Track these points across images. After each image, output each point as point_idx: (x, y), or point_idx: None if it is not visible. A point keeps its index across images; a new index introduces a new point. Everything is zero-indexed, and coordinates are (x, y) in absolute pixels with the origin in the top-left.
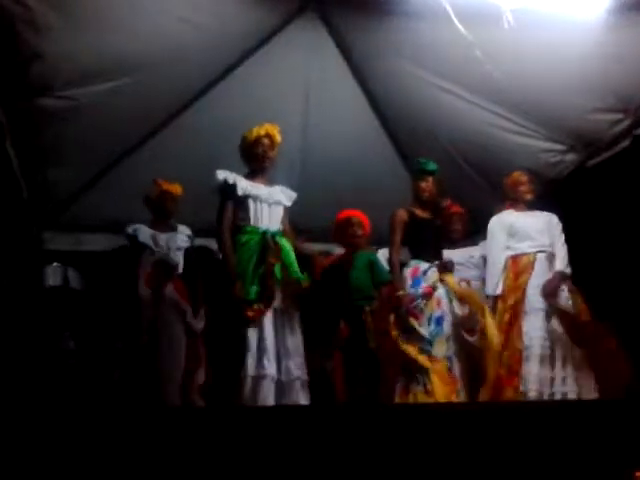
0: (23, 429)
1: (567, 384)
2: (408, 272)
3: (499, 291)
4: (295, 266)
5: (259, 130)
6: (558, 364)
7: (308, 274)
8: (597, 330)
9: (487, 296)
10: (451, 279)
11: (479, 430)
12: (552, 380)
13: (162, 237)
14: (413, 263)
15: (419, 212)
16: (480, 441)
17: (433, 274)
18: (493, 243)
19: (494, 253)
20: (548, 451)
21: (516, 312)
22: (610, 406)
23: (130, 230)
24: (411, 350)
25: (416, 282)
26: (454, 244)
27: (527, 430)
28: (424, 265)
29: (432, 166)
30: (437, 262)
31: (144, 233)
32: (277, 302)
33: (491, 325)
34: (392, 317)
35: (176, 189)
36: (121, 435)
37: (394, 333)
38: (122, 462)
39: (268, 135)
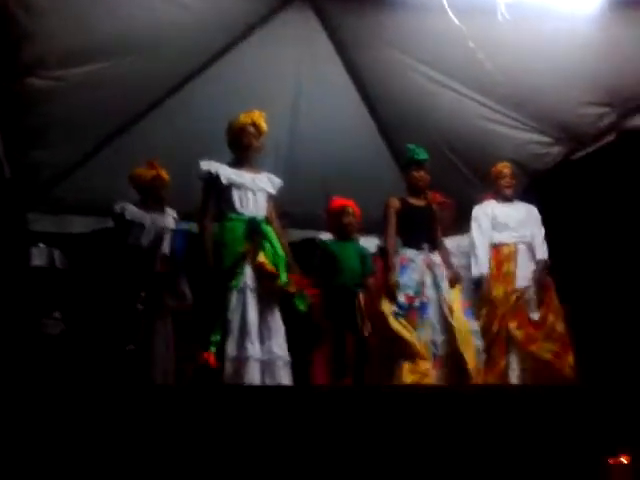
0: (12, 409)
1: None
2: (396, 261)
3: (486, 270)
4: (279, 251)
5: (245, 118)
6: None
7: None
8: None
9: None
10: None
11: (458, 413)
12: None
13: (149, 217)
14: (402, 252)
15: (412, 200)
16: (460, 423)
17: (421, 263)
18: (478, 229)
19: (480, 238)
20: (527, 435)
21: (506, 301)
22: (584, 393)
23: (118, 208)
24: (399, 329)
25: (403, 270)
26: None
27: (507, 414)
28: (411, 253)
29: (423, 155)
30: (427, 247)
31: (131, 211)
32: (256, 285)
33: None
34: (384, 301)
35: (165, 175)
36: (108, 414)
37: (385, 313)
38: (108, 441)
39: (254, 124)
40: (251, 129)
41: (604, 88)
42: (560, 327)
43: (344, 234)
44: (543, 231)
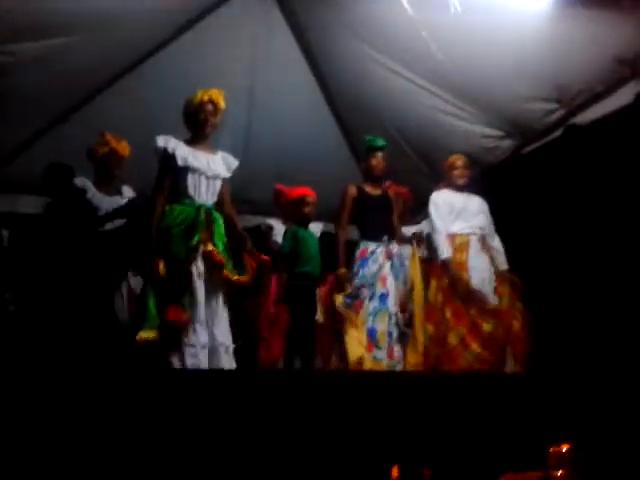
0: None
1: None
2: (357, 253)
3: (450, 254)
4: (221, 245)
5: (203, 95)
6: None
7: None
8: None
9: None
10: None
11: (405, 398)
12: None
13: (105, 200)
14: (362, 244)
15: (369, 189)
16: (404, 409)
17: (381, 254)
18: (438, 214)
19: (440, 223)
20: (470, 421)
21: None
22: (527, 381)
23: (78, 182)
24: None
25: (363, 262)
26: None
27: (453, 400)
28: (372, 246)
29: (381, 142)
30: (386, 238)
31: (91, 189)
32: (204, 271)
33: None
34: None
35: (124, 149)
36: (60, 396)
37: (337, 303)
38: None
39: (211, 101)
40: (209, 107)
41: (552, 84)
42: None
43: (304, 223)
44: (493, 226)
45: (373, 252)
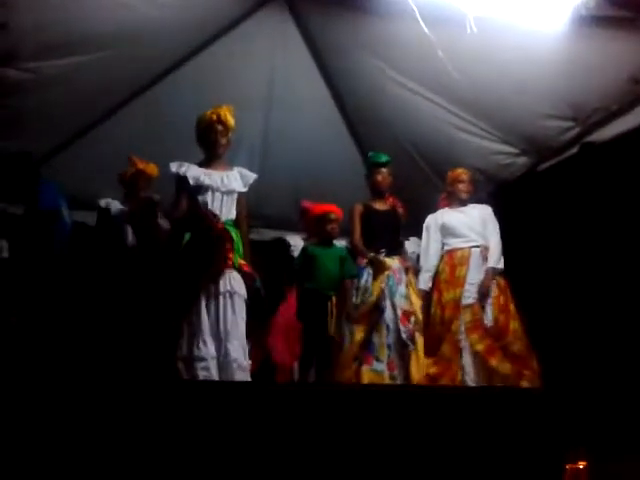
0: None
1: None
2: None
3: (428, 287)
4: (237, 258)
5: (211, 115)
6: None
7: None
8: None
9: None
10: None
11: (417, 413)
12: None
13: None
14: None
15: (377, 205)
16: (420, 424)
17: (381, 265)
18: (428, 240)
19: (429, 249)
20: (486, 438)
21: (455, 305)
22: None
23: (103, 204)
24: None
25: (360, 270)
26: None
27: (464, 416)
28: (370, 254)
29: (384, 157)
30: (384, 252)
31: (116, 208)
32: (223, 285)
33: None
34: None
35: (151, 169)
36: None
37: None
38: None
39: (220, 121)
40: (219, 127)
41: (568, 102)
42: (517, 330)
43: (326, 240)
44: (498, 233)
45: (370, 262)
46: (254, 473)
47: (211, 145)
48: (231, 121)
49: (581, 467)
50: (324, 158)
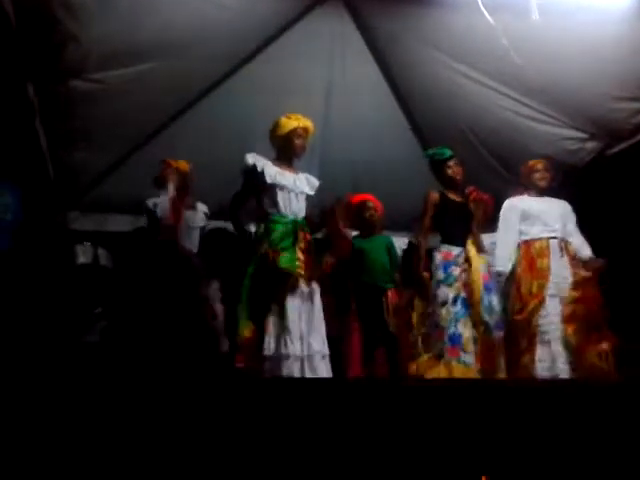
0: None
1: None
2: (439, 256)
3: (508, 269)
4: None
5: (297, 122)
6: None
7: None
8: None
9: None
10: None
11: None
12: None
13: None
14: (444, 247)
15: (451, 195)
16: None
17: (462, 260)
18: (505, 225)
19: (506, 234)
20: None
21: (538, 297)
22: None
23: (150, 204)
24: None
25: (447, 266)
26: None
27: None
28: (455, 250)
29: (447, 151)
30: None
31: (162, 208)
32: (303, 283)
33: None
34: (415, 297)
35: (183, 166)
36: (148, 411)
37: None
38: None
39: (305, 127)
40: (302, 132)
41: (637, 83)
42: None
43: (368, 229)
44: (577, 228)
45: (458, 256)
46: (333, 466)
47: (292, 149)
48: (312, 128)
49: None
50: (384, 156)
